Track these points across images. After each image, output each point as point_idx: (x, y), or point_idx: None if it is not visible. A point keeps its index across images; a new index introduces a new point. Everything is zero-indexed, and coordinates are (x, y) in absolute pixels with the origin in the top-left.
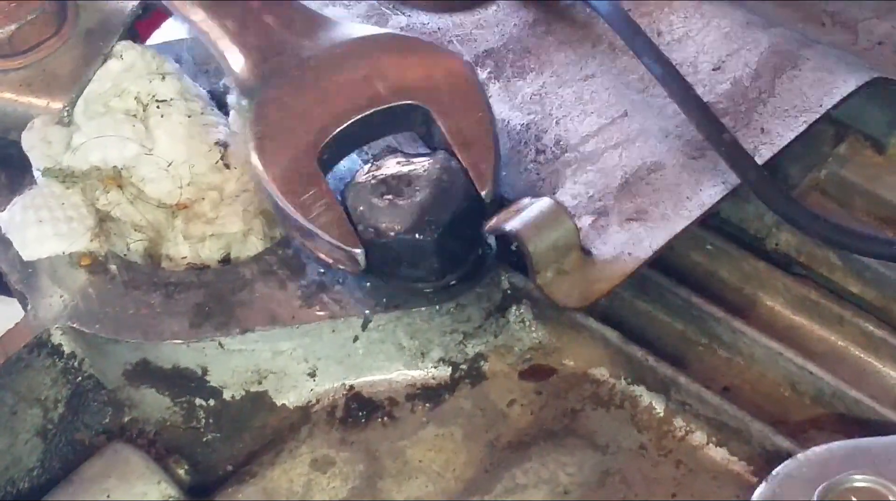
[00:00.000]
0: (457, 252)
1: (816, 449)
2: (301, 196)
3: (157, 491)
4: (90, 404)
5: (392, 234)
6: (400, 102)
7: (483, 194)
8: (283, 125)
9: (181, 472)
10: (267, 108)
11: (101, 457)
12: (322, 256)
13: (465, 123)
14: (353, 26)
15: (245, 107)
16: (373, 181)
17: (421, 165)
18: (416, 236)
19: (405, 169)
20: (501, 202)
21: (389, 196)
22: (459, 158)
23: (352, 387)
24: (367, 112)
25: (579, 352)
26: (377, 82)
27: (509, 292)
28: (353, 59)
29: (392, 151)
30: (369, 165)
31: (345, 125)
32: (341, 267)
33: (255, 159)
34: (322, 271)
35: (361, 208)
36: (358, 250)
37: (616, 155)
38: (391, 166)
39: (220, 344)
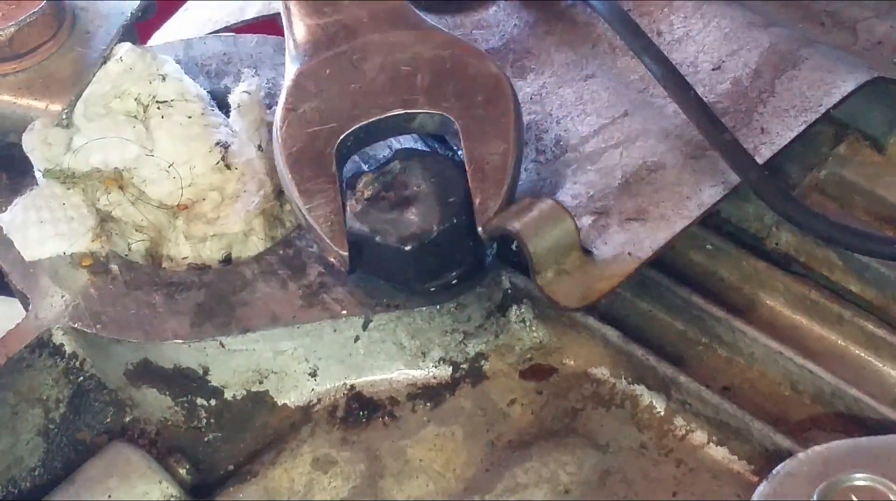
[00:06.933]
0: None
1: (817, 448)
2: (307, 181)
3: (159, 491)
4: (92, 404)
5: (435, 229)
6: (431, 111)
7: (479, 229)
8: (313, 103)
9: (182, 472)
10: (305, 79)
11: (103, 457)
12: (315, 242)
13: (487, 152)
14: (419, 17)
15: (289, 71)
16: (368, 204)
17: (394, 166)
18: (454, 220)
19: (387, 178)
20: None
21: (399, 206)
22: (470, 184)
23: (353, 387)
24: (397, 112)
25: (580, 352)
26: (417, 83)
27: (510, 291)
28: (401, 51)
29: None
30: (350, 196)
31: (372, 119)
32: (331, 260)
33: (276, 130)
34: (323, 271)
35: (387, 229)
36: (344, 253)
37: (616, 155)
38: (371, 184)
39: (221, 344)
